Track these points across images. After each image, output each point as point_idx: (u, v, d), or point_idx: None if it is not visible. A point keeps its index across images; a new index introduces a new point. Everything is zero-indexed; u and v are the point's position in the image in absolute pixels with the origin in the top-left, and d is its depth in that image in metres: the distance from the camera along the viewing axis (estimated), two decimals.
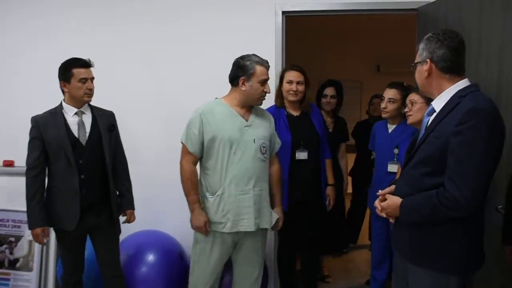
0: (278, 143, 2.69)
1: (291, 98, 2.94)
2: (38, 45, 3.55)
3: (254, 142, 2.46)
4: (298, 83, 2.92)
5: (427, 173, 1.75)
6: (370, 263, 3.50)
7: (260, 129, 2.52)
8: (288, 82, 2.94)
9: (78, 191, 2.49)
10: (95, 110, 2.66)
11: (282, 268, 3.11)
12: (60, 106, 2.59)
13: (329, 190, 3.14)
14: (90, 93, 2.56)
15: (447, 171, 1.67)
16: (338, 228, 4.00)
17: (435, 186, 1.70)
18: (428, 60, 1.79)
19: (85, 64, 2.55)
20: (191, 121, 2.49)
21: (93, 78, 2.57)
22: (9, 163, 3.28)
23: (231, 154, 2.42)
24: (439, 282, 1.75)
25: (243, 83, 2.44)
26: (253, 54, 2.49)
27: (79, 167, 2.51)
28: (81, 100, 2.56)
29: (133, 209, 2.76)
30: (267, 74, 2.49)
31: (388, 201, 1.87)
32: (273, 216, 2.59)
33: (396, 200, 1.83)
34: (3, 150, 3.07)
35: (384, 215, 1.91)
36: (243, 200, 2.43)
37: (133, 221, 2.76)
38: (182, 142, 2.51)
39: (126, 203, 2.72)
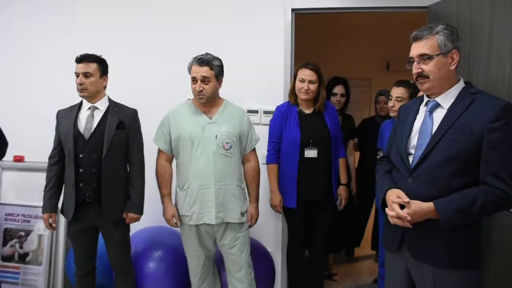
0: (255, 140, 2.75)
1: (303, 96, 2.92)
2: (47, 43, 3.59)
3: (216, 138, 2.55)
4: (310, 82, 2.89)
5: (456, 172, 1.72)
6: (378, 261, 3.49)
7: (224, 126, 2.59)
8: (300, 81, 2.91)
9: (73, 184, 2.55)
10: (111, 107, 2.65)
11: (290, 264, 3.11)
12: (81, 101, 2.68)
13: (341, 190, 3.11)
14: (80, 88, 2.58)
15: (487, 167, 1.68)
16: (348, 226, 4.01)
17: (464, 185, 1.71)
18: (456, 51, 1.79)
19: (78, 59, 2.60)
20: (162, 122, 2.68)
21: (85, 73, 2.56)
22: (19, 159, 3.32)
23: (193, 150, 2.55)
24: (474, 279, 1.77)
25: None
26: (200, 55, 2.55)
27: (78, 160, 2.56)
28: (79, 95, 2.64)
29: (136, 212, 2.64)
30: (195, 72, 2.52)
31: (413, 208, 1.73)
32: (245, 214, 2.68)
33: (424, 206, 1.72)
34: (13, 146, 3.09)
35: (399, 222, 1.76)
36: (205, 194, 2.54)
37: (132, 222, 2.68)
38: (154, 141, 2.69)
39: (129, 205, 2.64)
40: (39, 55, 3.59)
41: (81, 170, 2.56)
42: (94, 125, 2.59)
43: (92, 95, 2.61)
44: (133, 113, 2.70)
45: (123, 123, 2.62)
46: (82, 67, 2.57)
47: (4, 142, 2.94)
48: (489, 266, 2.18)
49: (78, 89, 2.59)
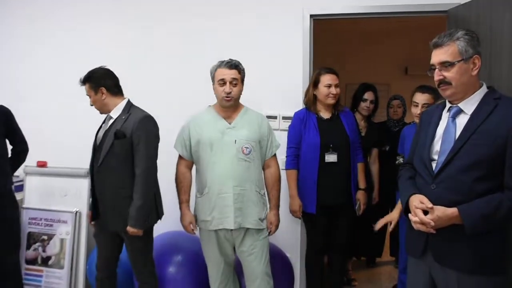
0: (275, 146, 2.74)
1: (331, 101, 2.94)
2: (72, 50, 3.67)
3: (235, 143, 2.55)
4: (336, 85, 2.92)
5: (479, 178, 1.71)
6: (398, 267, 3.46)
7: (244, 131, 2.59)
8: (326, 86, 2.92)
9: (90, 191, 2.65)
10: (122, 114, 2.60)
11: (309, 270, 3.11)
12: None
13: (360, 195, 3.09)
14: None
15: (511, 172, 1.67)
16: (367, 233, 3.98)
17: (488, 190, 1.70)
18: (478, 56, 1.78)
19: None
20: (182, 128, 2.69)
21: (87, 95, 2.64)
22: (42, 164, 3.38)
23: (212, 155, 2.56)
24: (499, 284, 1.76)
25: (213, 88, 2.61)
26: (222, 60, 2.58)
27: (93, 168, 2.63)
28: None
29: (132, 226, 2.48)
30: (224, 74, 2.54)
31: (437, 213, 1.72)
32: (264, 220, 2.65)
33: (447, 212, 1.71)
34: (36, 151, 3.16)
35: (423, 228, 1.75)
36: (224, 199, 2.54)
37: (134, 235, 2.51)
38: (174, 147, 2.69)
39: (128, 219, 2.49)
40: (62, 61, 3.67)
41: (94, 178, 2.63)
42: (102, 135, 2.63)
43: (103, 110, 2.67)
44: (139, 119, 2.53)
45: (121, 132, 2.51)
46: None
47: (26, 147, 3.02)
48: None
49: None
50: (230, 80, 2.53)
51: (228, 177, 2.53)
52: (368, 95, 3.63)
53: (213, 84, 2.60)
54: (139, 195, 2.49)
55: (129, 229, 2.49)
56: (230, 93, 2.53)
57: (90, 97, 2.64)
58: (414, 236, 1.90)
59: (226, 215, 2.53)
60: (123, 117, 2.58)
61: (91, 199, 2.69)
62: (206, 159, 2.57)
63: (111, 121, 2.62)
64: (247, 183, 2.58)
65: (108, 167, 2.55)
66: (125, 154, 2.53)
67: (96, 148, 2.63)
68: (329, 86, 2.92)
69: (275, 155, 2.75)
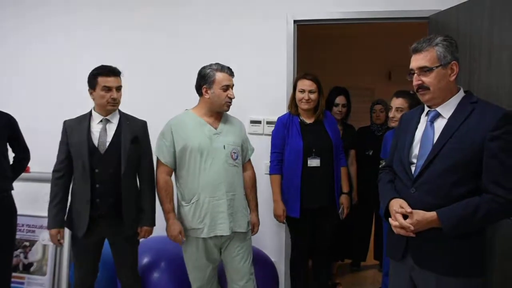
0: (251, 149, 2.78)
1: (304, 106, 2.96)
2: (56, 58, 3.64)
3: (224, 148, 2.54)
4: (310, 91, 2.94)
5: (457, 181, 1.73)
6: (382, 270, 3.48)
7: (230, 136, 2.59)
8: (300, 91, 2.96)
9: (89, 200, 2.48)
10: (123, 119, 2.60)
11: (294, 274, 3.12)
12: (89, 112, 2.61)
13: (343, 199, 3.12)
14: (113, 102, 2.51)
15: (488, 176, 1.70)
16: (351, 236, 4.01)
17: (466, 193, 1.72)
18: (455, 62, 1.80)
19: (110, 72, 2.50)
20: (163, 133, 2.58)
21: (119, 86, 2.53)
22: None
23: (202, 161, 2.50)
24: (478, 287, 1.78)
25: (206, 91, 2.54)
26: (216, 63, 2.56)
27: (94, 175, 2.49)
28: (105, 109, 2.54)
29: (151, 225, 2.64)
30: (229, 80, 2.55)
31: (416, 218, 1.74)
32: (248, 222, 2.66)
33: (426, 216, 1.73)
34: None
35: (403, 232, 1.78)
36: (217, 205, 2.50)
37: (147, 237, 2.66)
38: (155, 154, 2.60)
39: (143, 219, 2.61)
40: (44, 67, 3.65)
41: (97, 186, 2.50)
42: (109, 139, 2.54)
43: (114, 108, 2.57)
44: (143, 125, 2.66)
45: (137, 138, 2.57)
46: (115, 81, 2.50)
47: (28, 155, 3.01)
48: (492, 274, 2.19)
49: (108, 103, 2.51)
50: (232, 86, 2.56)
51: (220, 184, 2.50)
52: (340, 99, 3.65)
53: (210, 87, 2.51)
54: (153, 194, 2.63)
55: (147, 229, 2.62)
56: (232, 98, 2.56)
57: (120, 90, 2.54)
58: (395, 240, 1.91)
59: (219, 222, 2.50)
60: (127, 122, 2.60)
61: (89, 209, 2.51)
62: (195, 166, 2.50)
63: (113, 126, 2.56)
64: (238, 188, 2.59)
65: (128, 173, 2.55)
66: (137, 159, 2.60)
67: (102, 153, 2.51)
68: (303, 91, 2.95)
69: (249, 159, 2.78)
